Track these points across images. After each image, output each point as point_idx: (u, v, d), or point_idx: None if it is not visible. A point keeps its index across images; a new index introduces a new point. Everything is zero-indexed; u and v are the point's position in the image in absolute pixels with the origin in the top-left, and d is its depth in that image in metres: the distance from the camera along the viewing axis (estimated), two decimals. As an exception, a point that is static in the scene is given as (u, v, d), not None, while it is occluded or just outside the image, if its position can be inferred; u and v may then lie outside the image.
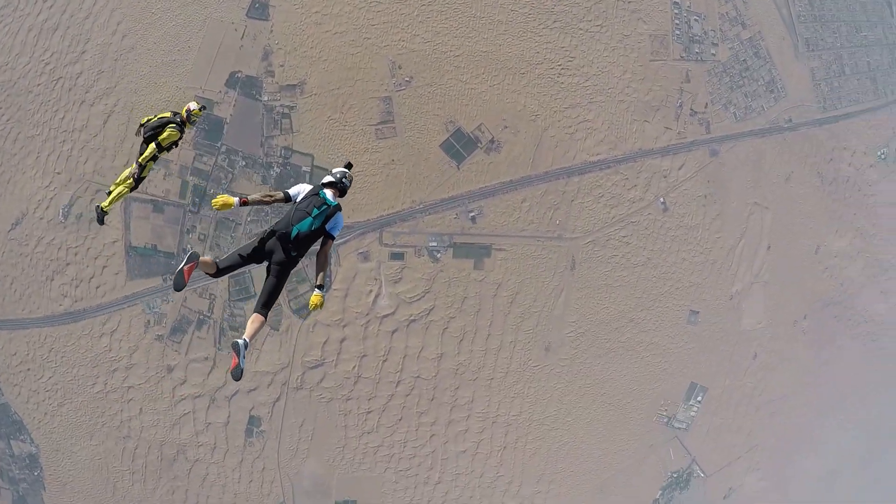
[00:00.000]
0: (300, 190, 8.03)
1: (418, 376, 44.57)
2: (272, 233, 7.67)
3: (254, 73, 42.38)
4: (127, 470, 44.42)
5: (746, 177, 49.67)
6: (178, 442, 44.02)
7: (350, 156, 42.55)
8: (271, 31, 42.55)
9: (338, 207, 7.91)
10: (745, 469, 52.35)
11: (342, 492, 44.99)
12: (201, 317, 43.43)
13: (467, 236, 43.73)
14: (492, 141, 44.10)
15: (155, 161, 9.42)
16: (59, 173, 44.94)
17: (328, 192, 8.00)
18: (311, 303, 7.78)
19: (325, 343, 43.52)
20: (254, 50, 42.42)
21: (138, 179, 9.30)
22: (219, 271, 7.77)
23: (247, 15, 42.55)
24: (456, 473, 46.22)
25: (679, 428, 49.65)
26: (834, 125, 51.29)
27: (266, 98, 42.34)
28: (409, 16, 43.65)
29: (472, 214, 43.83)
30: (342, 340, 43.64)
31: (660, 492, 50.24)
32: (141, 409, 44.04)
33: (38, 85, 45.74)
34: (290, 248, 7.55)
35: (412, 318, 43.92)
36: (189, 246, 42.98)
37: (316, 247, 7.92)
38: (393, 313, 43.67)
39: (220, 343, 43.46)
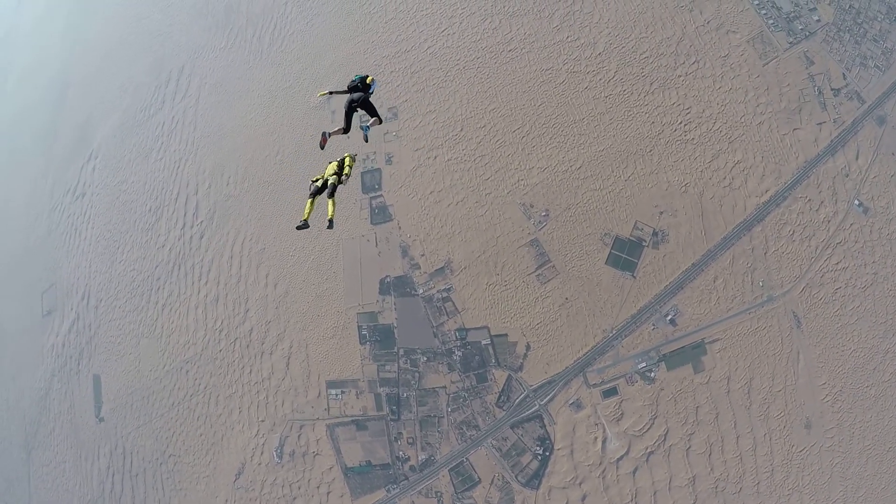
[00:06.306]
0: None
1: (682, 507, 40.45)
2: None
3: (401, 273, 42.97)
4: None
5: (937, 129, 42.13)
6: None
7: (522, 310, 41.30)
8: (399, 227, 43.23)
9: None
10: None
11: None
12: (436, 516, 42.89)
13: (674, 342, 40.02)
14: (655, 233, 40.87)
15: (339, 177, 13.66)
16: (262, 420, 47.78)
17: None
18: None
19: (569, 505, 40.98)
20: (392, 251, 43.18)
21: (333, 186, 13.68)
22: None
23: (371, 223, 43.75)
24: None
25: None
26: None
27: (421, 290, 42.52)
28: (515, 154, 42.68)
29: (670, 317, 40.23)
30: (583, 499, 40.72)
31: None
32: None
33: (220, 351, 49.75)
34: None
35: (649, 450, 40.23)
36: (401, 452, 43.13)
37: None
38: (627, 453, 40.27)
39: (463, 533, 42.38)
